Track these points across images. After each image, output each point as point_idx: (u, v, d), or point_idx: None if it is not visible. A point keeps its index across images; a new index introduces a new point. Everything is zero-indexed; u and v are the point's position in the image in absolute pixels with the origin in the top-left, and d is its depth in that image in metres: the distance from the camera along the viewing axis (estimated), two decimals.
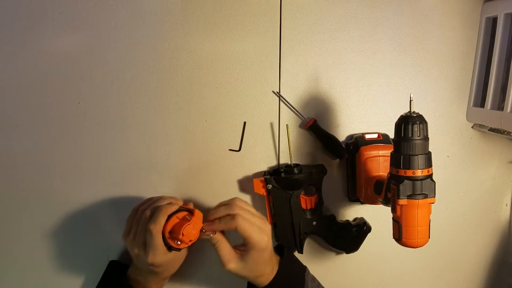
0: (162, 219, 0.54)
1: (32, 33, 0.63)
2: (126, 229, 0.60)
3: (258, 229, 0.55)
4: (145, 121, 0.67)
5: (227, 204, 0.57)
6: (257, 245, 0.55)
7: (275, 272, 0.59)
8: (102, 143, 0.66)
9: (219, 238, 0.56)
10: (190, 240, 0.55)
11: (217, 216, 0.56)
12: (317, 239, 0.73)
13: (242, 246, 0.57)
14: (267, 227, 0.57)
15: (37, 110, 0.65)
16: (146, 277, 0.61)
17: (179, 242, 0.55)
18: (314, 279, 0.64)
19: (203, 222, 0.57)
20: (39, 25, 0.63)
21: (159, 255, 0.55)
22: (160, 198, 0.59)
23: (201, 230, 0.56)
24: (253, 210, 0.58)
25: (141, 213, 0.57)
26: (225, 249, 0.56)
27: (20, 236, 0.68)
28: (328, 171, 0.69)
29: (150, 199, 0.60)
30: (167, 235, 0.55)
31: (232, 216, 0.55)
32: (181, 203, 0.59)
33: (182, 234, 0.54)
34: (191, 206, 0.60)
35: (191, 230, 0.55)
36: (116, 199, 0.68)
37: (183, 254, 0.62)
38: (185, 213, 0.57)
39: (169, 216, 0.55)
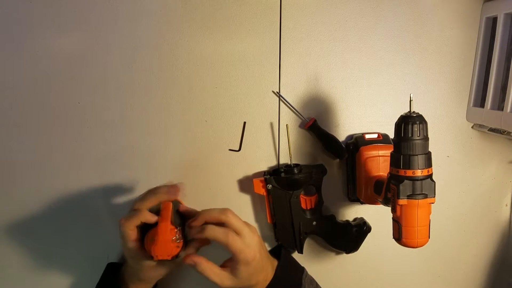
0: (132, 221, 0.53)
1: (32, 33, 0.63)
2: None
3: (243, 243, 0.54)
4: (145, 121, 0.67)
5: (217, 213, 0.55)
6: (242, 260, 0.53)
7: (270, 278, 0.58)
8: (102, 143, 0.66)
9: (203, 266, 0.54)
10: (169, 255, 0.53)
11: (207, 220, 0.55)
12: (317, 239, 0.73)
13: (228, 261, 0.56)
14: (253, 240, 0.55)
15: (37, 110, 0.65)
16: (130, 277, 0.60)
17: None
18: (312, 281, 0.64)
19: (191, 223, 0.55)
20: (39, 25, 0.63)
21: (130, 251, 0.54)
22: (152, 194, 0.56)
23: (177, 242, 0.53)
24: (242, 221, 0.56)
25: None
26: (214, 271, 0.54)
27: (20, 236, 0.68)
28: (328, 171, 0.69)
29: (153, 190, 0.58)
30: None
31: (225, 231, 0.53)
32: (174, 197, 0.56)
33: (156, 255, 0.52)
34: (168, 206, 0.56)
35: (160, 249, 0.52)
36: (116, 199, 0.68)
37: (166, 265, 0.58)
38: (172, 229, 0.54)
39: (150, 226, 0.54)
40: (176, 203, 0.60)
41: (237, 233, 0.54)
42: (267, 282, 0.58)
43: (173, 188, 0.56)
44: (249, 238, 0.55)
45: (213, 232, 0.53)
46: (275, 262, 0.61)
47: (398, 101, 0.71)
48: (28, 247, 0.68)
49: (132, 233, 0.54)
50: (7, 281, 0.69)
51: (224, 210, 0.55)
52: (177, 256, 0.54)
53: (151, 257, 0.53)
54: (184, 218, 0.58)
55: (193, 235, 0.54)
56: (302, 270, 0.64)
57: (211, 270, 0.54)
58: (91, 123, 0.66)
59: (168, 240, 0.52)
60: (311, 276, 0.64)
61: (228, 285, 0.55)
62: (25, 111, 0.65)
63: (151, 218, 0.54)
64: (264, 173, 0.69)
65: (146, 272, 0.58)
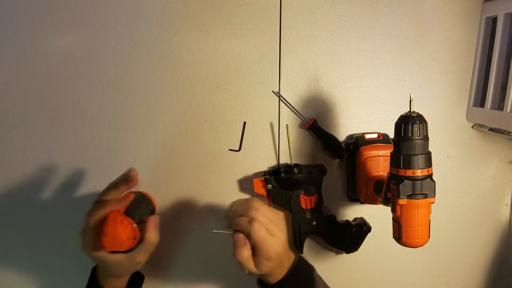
0: (96, 215, 0.52)
1: (32, 33, 0.63)
2: None
3: (271, 240, 0.53)
4: (145, 121, 0.67)
5: (245, 204, 0.55)
6: (265, 255, 0.53)
7: (285, 271, 0.58)
8: (101, 143, 0.67)
9: (241, 239, 0.54)
10: (120, 246, 0.52)
11: (234, 215, 0.55)
12: (317, 239, 0.73)
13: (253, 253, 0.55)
14: (281, 238, 0.55)
15: (37, 110, 0.65)
16: (101, 274, 0.59)
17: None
18: (320, 278, 0.64)
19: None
20: (39, 25, 0.63)
21: (87, 248, 0.54)
22: (109, 189, 0.56)
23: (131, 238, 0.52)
24: (270, 213, 0.56)
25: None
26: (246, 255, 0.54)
27: (20, 236, 0.68)
28: (328, 171, 0.69)
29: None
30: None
31: (250, 220, 0.53)
32: (129, 186, 0.55)
33: (107, 246, 0.51)
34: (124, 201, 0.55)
35: (110, 239, 0.51)
36: None
37: (130, 258, 0.56)
38: (124, 219, 0.53)
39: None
40: (148, 203, 0.60)
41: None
42: (283, 274, 0.57)
43: (128, 175, 0.56)
44: (278, 236, 0.54)
45: (238, 226, 0.53)
46: (292, 255, 0.60)
47: (398, 101, 0.71)
48: (28, 247, 0.68)
49: (95, 224, 0.52)
50: (7, 281, 0.69)
51: (249, 209, 0.54)
52: (132, 249, 0.53)
53: (103, 249, 0.52)
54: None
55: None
56: (312, 267, 0.63)
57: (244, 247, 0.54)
58: (91, 123, 0.66)
59: (118, 230, 0.51)
60: (318, 274, 0.64)
61: (242, 261, 0.54)
62: (25, 111, 0.65)
63: (119, 206, 0.53)
64: (264, 173, 0.69)
65: (111, 266, 0.56)
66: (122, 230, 0.52)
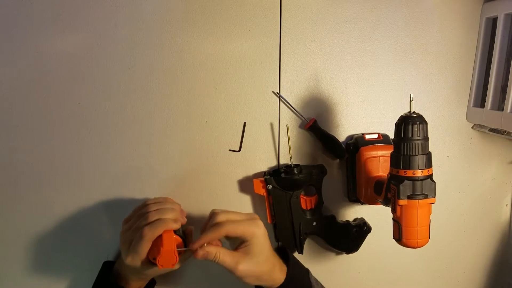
0: (157, 231, 0.54)
1: (32, 33, 0.63)
2: (129, 216, 0.60)
3: (248, 221, 0.55)
4: (145, 121, 0.67)
5: (209, 219, 0.57)
6: (254, 234, 0.54)
7: (280, 277, 0.58)
8: (102, 144, 0.66)
9: (214, 251, 0.54)
10: (172, 264, 0.55)
11: (207, 239, 0.54)
12: (317, 240, 0.73)
13: (240, 244, 0.56)
14: (255, 217, 0.57)
15: (37, 110, 0.65)
16: (127, 275, 0.61)
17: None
18: (317, 281, 0.64)
19: (189, 243, 0.56)
20: (39, 25, 0.62)
21: (137, 261, 0.55)
22: (172, 207, 0.59)
23: (179, 253, 0.55)
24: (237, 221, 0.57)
25: (146, 210, 0.58)
26: (227, 255, 0.54)
27: (19, 236, 0.68)
28: (328, 171, 0.69)
29: (166, 200, 0.61)
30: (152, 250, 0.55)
31: (218, 224, 0.54)
32: (184, 221, 0.59)
33: (161, 265, 0.54)
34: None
35: (165, 259, 0.54)
36: (116, 199, 0.68)
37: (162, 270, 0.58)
38: (175, 238, 0.56)
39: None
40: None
41: None
42: (281, 280, 0.57)
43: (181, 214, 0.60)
44: (250, 217, 0.57)
45: (211, 234, 0.54)
46: (283, 266, 0.59)
47: (398, 101, 0.71)
48: (28, 247, 0.68)
49: (150, 243, 0.54)
50: (6, 281, 0.69)
51: (213, 217, 0.55)
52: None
53: (154, 264, 0.55)
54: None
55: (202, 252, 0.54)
56: (307, 270, 0.63)
57: (224, 253, 0.54)
58: (91, 123, 0.66)
59: (172, 249, 0.54)
60: (314, 277, 0.64)
61: (244, 268, 0.54)
62: (25, 111, 0.65)
63: (176, 226, 0.56)
64: (264, 173, 0.69)
65: (147, 274, 0.59)
66: (175, 250, 0.55)
